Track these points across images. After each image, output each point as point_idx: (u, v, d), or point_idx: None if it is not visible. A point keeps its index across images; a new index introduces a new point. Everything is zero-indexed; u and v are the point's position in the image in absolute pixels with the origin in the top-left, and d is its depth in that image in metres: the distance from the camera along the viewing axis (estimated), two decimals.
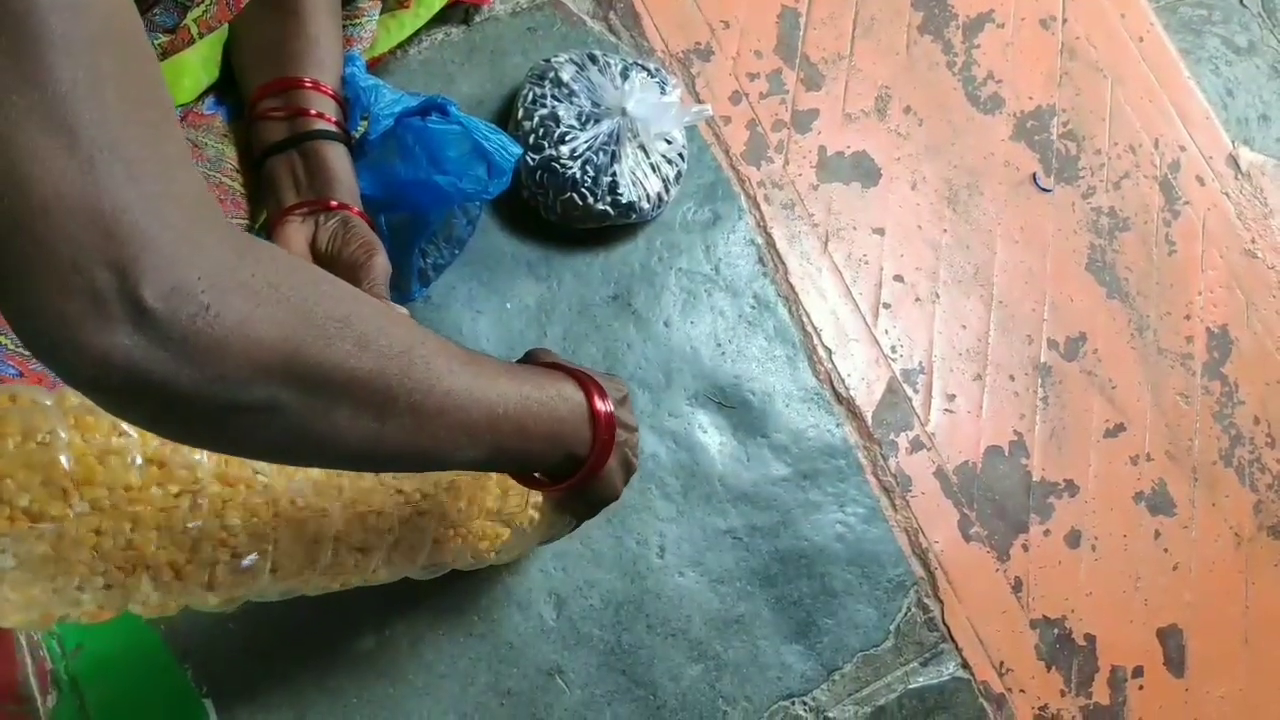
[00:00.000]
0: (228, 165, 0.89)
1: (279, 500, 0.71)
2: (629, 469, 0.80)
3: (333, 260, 0.84)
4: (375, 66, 1.09)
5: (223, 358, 0.43)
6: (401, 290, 1.07)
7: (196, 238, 0.43)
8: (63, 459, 0.62)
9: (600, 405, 0.71)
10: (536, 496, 0.85)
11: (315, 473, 0.73)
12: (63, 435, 0.62)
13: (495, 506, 0.84)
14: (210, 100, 0.91)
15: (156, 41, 0.79)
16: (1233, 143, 1.36)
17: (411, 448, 0.57)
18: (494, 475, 0.83)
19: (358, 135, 0.96)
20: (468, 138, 0.96)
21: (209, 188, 0.85)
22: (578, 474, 0.73)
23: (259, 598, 0.76)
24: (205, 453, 0.67)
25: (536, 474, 0.76)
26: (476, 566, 0.90)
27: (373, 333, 0.51)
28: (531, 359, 0.78)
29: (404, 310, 0.84)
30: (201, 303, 0.42)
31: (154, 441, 0.66)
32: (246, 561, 0.70)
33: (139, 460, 0.65)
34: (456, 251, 1.09)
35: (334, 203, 0.86)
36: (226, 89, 0.93)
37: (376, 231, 1.03)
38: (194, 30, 0.81)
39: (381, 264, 0.85)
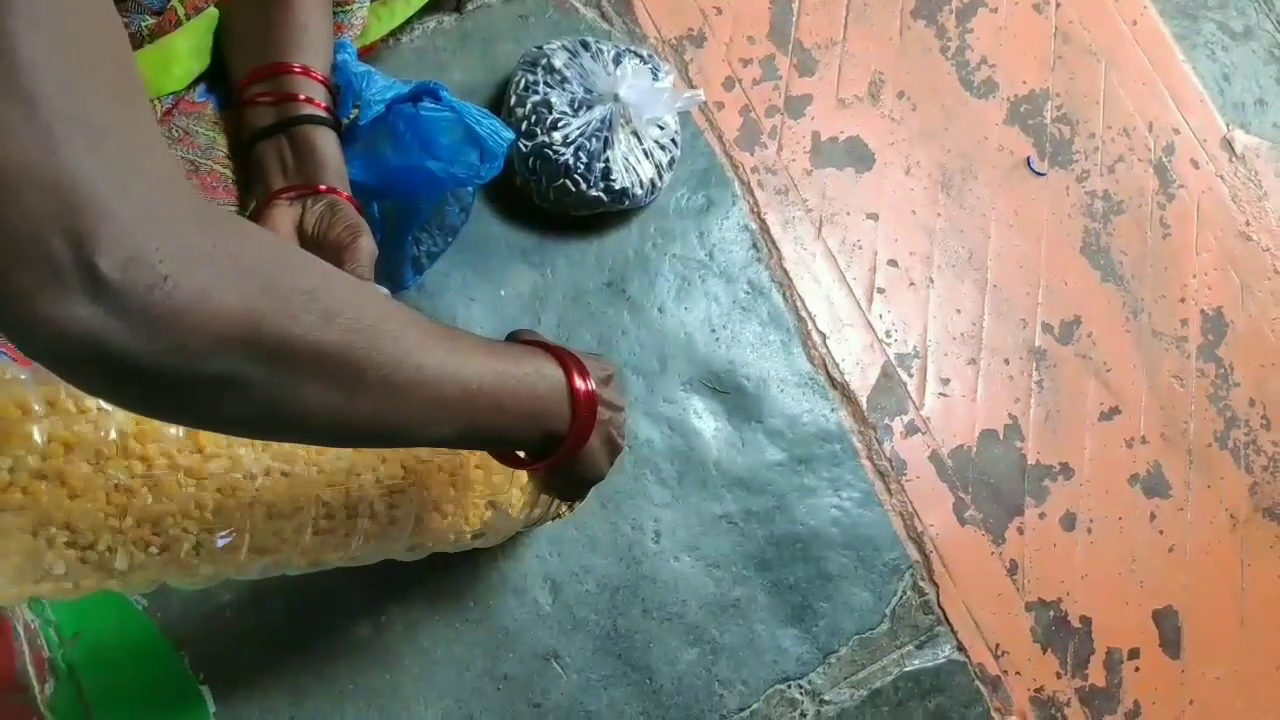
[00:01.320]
0: (219, 153, 0.89)
1: (256, 478, 0.71)
2: (614, 448, 0.79)
3: (319, 243, 0.84)
4: (367, 54, 1.09)
5: (181, 329, 0.43)
6: (395, 278, 1.07)
7: (158, 209, 0.42)
8: (35, 432, 0.62)
9: (580, 383, 0.71)
10: (522, 477, 0.85)
11: (292, 449, 0.73)
12: (37, 409, 0.63)
13: (478, 486, 0.84)
14: (201, 88, 0.91)
15: (144, 23, 0.79)
16: (1227, 126, 1.36)
17: (381, 423, 0.57)
18: (475, 454, 0.83)
19: (349, 122, 0.96)
20: (459, 123, 0.96)
21: (200, 175, 0.85)
22: (557, 452, 0.72)
23: (239, 575, 0.76)
24: (180, 428, 0.68)
25: (520, 453, 0.75)
26: (462, 548, 0.90)
27: (340, 306, 0.51)
28: (515, 338, 0.77)
29: (384, 291, 0.83)
30: (159, 273, 0.42)
31: (129, 417, 0.66)
32: (221, 540, 0.70)
33: (113, 435, 0.65)
34: (450, 239, 1.09)
35: (322, 187, 0.86)
36: (217, 77, 0.93)
37: (368, 218, 1.03)
38: (180, 11, 0.81)
39: (366, 245, 0.84)
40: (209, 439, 0.69)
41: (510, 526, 0.91)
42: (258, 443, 0.72)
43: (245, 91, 0.88)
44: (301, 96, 0.86)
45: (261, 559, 0.74)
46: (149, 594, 0.98)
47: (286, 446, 0.73)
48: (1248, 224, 1.31)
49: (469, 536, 0.87)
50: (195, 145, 0.88)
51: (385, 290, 0.82)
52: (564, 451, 0.72)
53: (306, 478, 0.73)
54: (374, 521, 0.79)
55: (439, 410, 0.60)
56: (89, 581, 0.67)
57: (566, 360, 0.71)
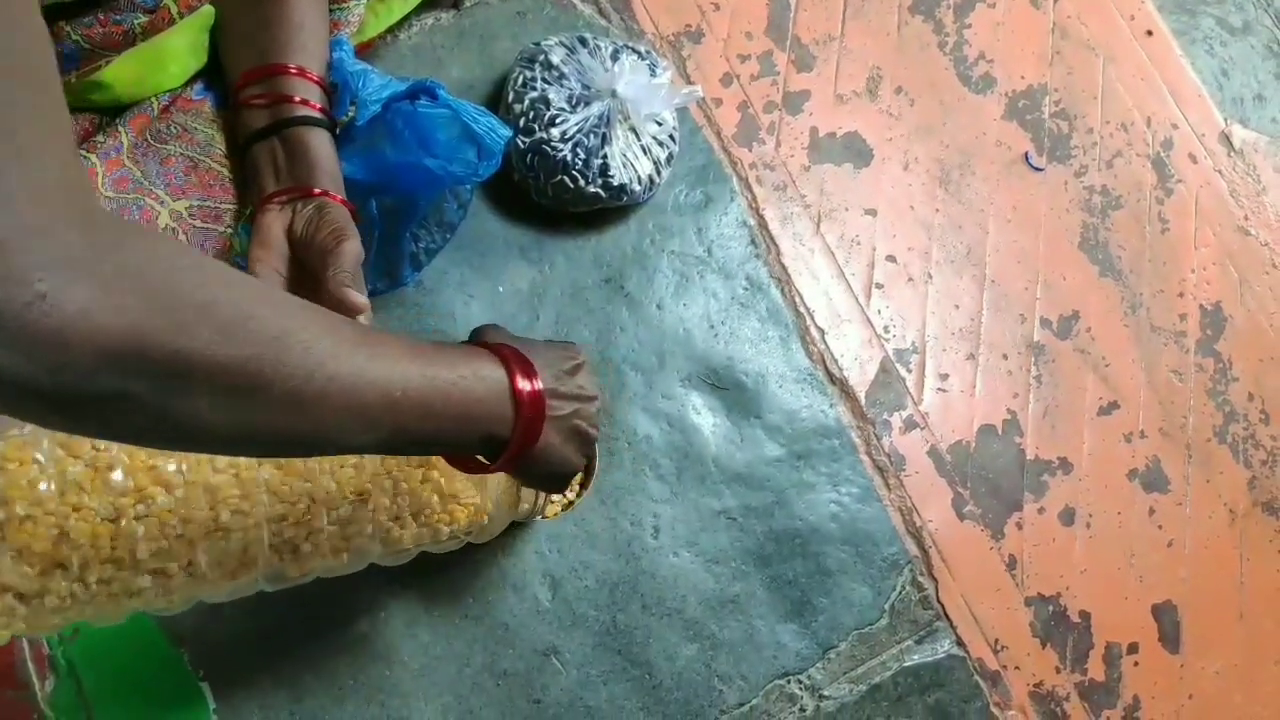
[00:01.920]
0: (217, 150, 0.89)
1: (197, 514, 0.72)
2: (583, 439, 0.75)
3: (307, 247, 0.84)
4: (364, 52, 1.09)
5: (61, 347, 0.42)
6: (393, 275, 1.07)
7: (41, 224, 0.41)
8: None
9: (524, 384, 0.68)
10: (502, 475, 0.85)
11: (240, 472, 0.74)
12: (39, 457, 0.64)
13: (447, 487, 0.84)
14: (199, 86, 0.91)
15: (137, 21, 0.79)
16: (1225, 120, 1.36)
17: (293, 433, 0.55)
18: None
19: (346, 120, 0.96)
20: (456, 121, 0.96)
21: (198, 173, 0.85)
22: (503, 455, 0.69)
23: (210, 599, 0.77)
24: (121, 469, 0.69)
25: (480, 457, 0.73)
26: (453, 546, 0.90)
27: (239, 318, 0.50)
28: (476, 336, 0.75)
29: (364, 302, 0.81)
30: (37, 291, 0.40)
31: (81, 459, 0.68)
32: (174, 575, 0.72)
33: (73, 472, 0.67)
34: (448, 236, 1.09)
35: (315, 190, 0.86)
36: (215, 75, 0.93)
37: (366, 216, 1.04)
38: (174, 9, 0.81)
39: (349, 250, 0.82)
40: (146, 474, 0.71)
41: (498, 522, 0.90)
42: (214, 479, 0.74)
43: (240, 93, 0.88)
44: (296, 98, 0.86)
45: (216, 586, 0.77)
46: None
47: (238, 467, 0.74)
48: (1246, 219, 1.31)
49: (449, 536, 0.87)
50: (194, 142, 0.88)
51: (363, 300, 0.80)
52: (510, 454, 0.69)
53: (255, 502, 0.75)
54: (340, 533, 0.79)
55: (357, 419, 0.58)
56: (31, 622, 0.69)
57: (510, 360, 0.69)
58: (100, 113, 0.87)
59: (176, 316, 0.47)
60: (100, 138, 0.84)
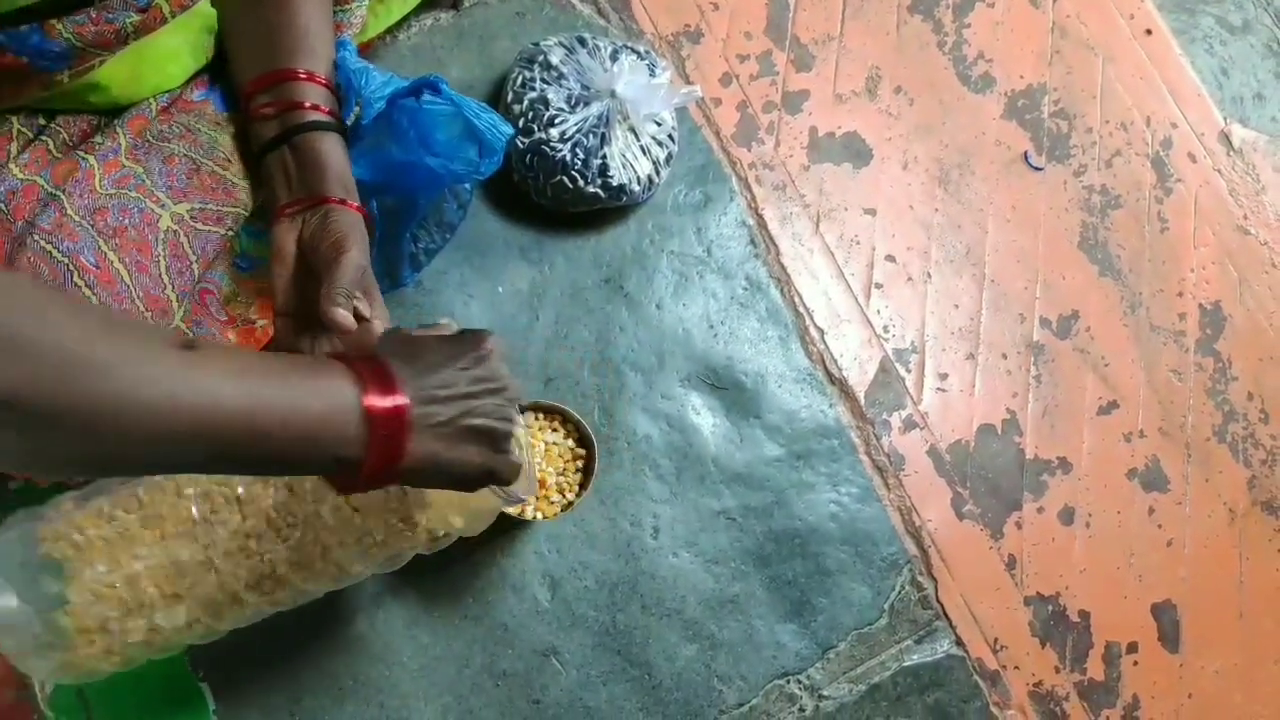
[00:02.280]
0: (220, 154, 0.89)
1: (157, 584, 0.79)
2: (484, 436, 0.68)
3: (315, 257, 0.83)
4: (364, 52, 1.09)
5: None
6: (393, 275, 1.07)
7: None
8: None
9: (376, 400, 0.62)
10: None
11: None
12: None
13: (394, 505, 0.84)
14: (201, 89, 0.91)
15: (129, 20, 0.79)
16: (1225, 119, 1.36)
17: (93, 457, 0.54)
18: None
19: (352, 121, 0.96)
20: (458, 119, 0.95)
21: (200, 175, 0.85)
22: (361, 475, 0.63)
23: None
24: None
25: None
26: (438, 547, 0.89)
27: (24, 346, 0.49)
28: (387, 338, 0.71)
29: (349, 325, 0.77)
30: None
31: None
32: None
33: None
34: (448, 236, 1.09)
35: (323, 198, 0.85)
36: (218, 76, 0.93)
37: (369, 217, 1.04)
38: (166, 9, 0.81)
39: (347, 264, 0.79)
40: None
41: (477, 523, 0.89)
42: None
43: (250, 103, 0.87)
44: (305, 103, 0.86)
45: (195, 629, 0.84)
46: None
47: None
48: (1245, 218, 1.31)
49: (415, 548, 0.87)
50: (197, 143, 0.88)
51: (348, 320, 0.77)
52: (369, 474, 0.64)
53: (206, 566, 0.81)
54: (298, 569, 0.83)
55: (167, 443, 0.55)
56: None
57: (363, 375, 0.63)
58: (98, 114, 0.87)
59: None
60: (98, 139, 0.84)
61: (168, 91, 0.89)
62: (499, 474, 0.70)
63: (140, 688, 0.96)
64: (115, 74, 0.83)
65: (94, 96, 0.84)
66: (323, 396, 0.61)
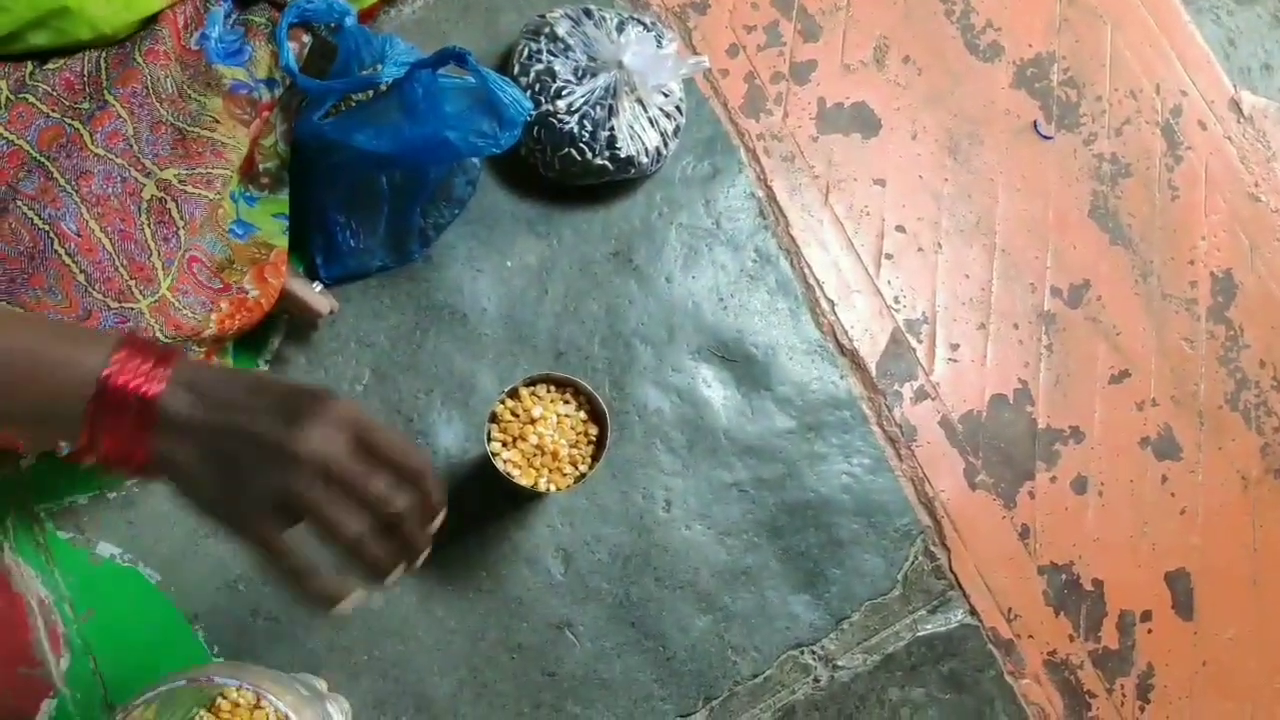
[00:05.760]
0: (208, 117, 0.88)
1: None
2: (249, 487, 0.53)
3: None
4: (366, 21, 1.08)
5: None
6: (402, 250, 1.07)
7: None
8: None
9: (119, 377, 0.52)
10: None
11: None
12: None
13: None
14: (197, 34, 0.90)
15: None
16: (1235, 87, 1.35)
17: None
18: None
19: (366, 73, 0.95)
20: (469, 92, 0.95)
21: (186, 143, 0.84)
22: (85, 449, 0.54)
23: None
24: None
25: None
26: None
27: None
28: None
29: None
30: None
31: None
32: None
33: None
34: (457, 211, 1.09)
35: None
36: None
37: (376, 191, 1.03)
38: None
39: None
40: None
41: None
42: None
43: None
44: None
45: None
46: (163, 569, 0.98)
47: None
48: (1256, 185, 1.31)
49: None
50: (186, 112, 0.87)
51: None
52: (94, 458, 0.54)
53: None
54: None
55: None
56: None
57: (133, 350, 0.53)
58: (82, 48, 0.85)
59: None
60: (85, 105, 0.83)
61: (156, 21, 0.87)
62: (253, 539, 0.55)
63: (154, 664, 0.96)
64: None
65: (67, 23, 0.83)
66: (60, 363, 0.53)
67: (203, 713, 0.87)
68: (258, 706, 0.88)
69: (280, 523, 0.54)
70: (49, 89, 0.84)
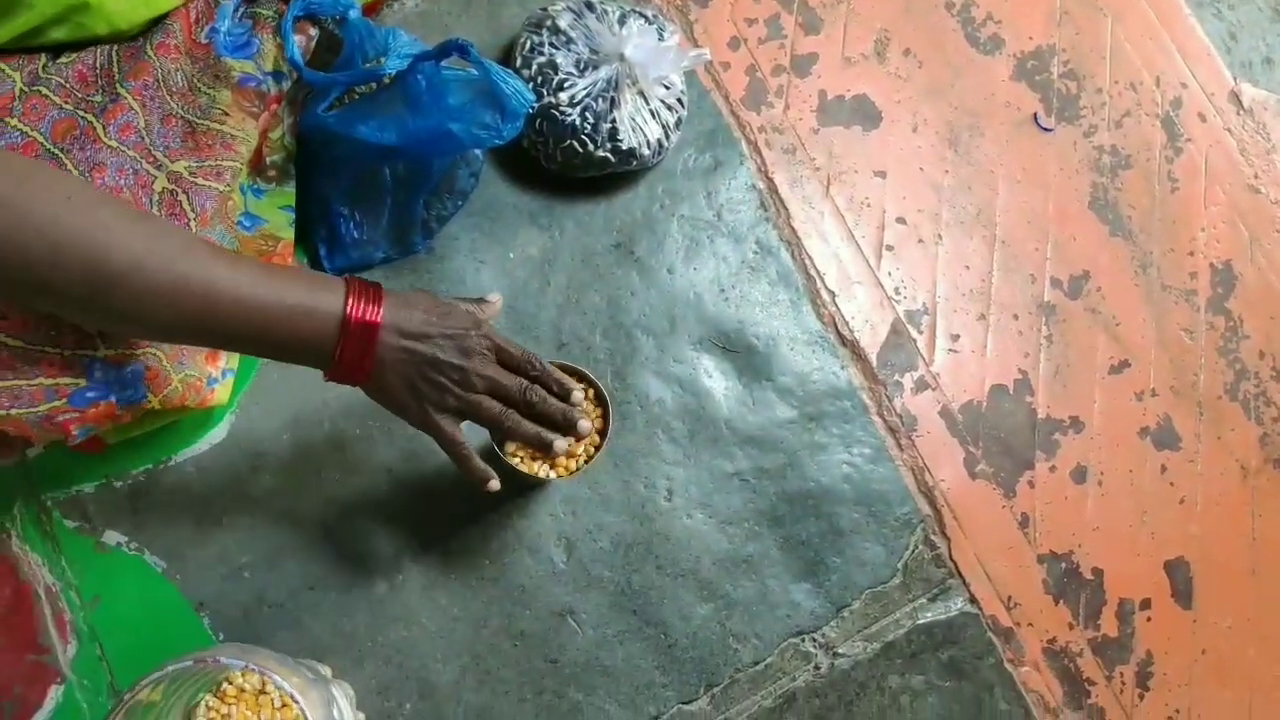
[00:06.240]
0: (217, 110, 0.89)
1: None
2: (423, 394, 0.81)
3: None
4: (370, 15, 1.09)
5: None
6: (405, 242, 1.08)
7: None
8: None
9: (357, 313, 0.76)
10: None
11: None
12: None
13: None
14: (208, 27, 0.91)
15: None
16: (1235, 79, 1.35)
17: (126, 317, 0.70)
18: None
19: (370, 65, 0.96)
20: (472, 84, 0.96)
21: (196, 135, 0.85)
22: (333, 370, 0.78)
23: None
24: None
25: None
26: None
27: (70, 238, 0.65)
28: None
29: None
30: None
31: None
32: None
33: None
34: (460, 203, 1.10)
35: None
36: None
37: (380, 183, 1.04)
38: None
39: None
40: None
41: None
42: None
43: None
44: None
45: None
46: (168, 557, 0.99)
47: None
48: (1256, 177, 1.31)
49: None
50: (196, 105, 0.88)
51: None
52: (338, 371, 0.78)
53: None
54: None
55: (168, 311, 0.70)
56: None
57: (356, 291, 0.77)
58: (96, 43, 0.86)
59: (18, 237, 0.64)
60: (98, 97, 0.84)
61: (168, 16, 0.88)
62: (432, 430, 0.83)
63: (160, 650, 0.97)
64: None
65: (86, 18, 0.84)
66: (316, 298, 0.75)
67: (209, 697, 0.87)
68: (263, 691, 0.89)
69: (454, 421, 0.83)
70: (62, 81, 0.84)
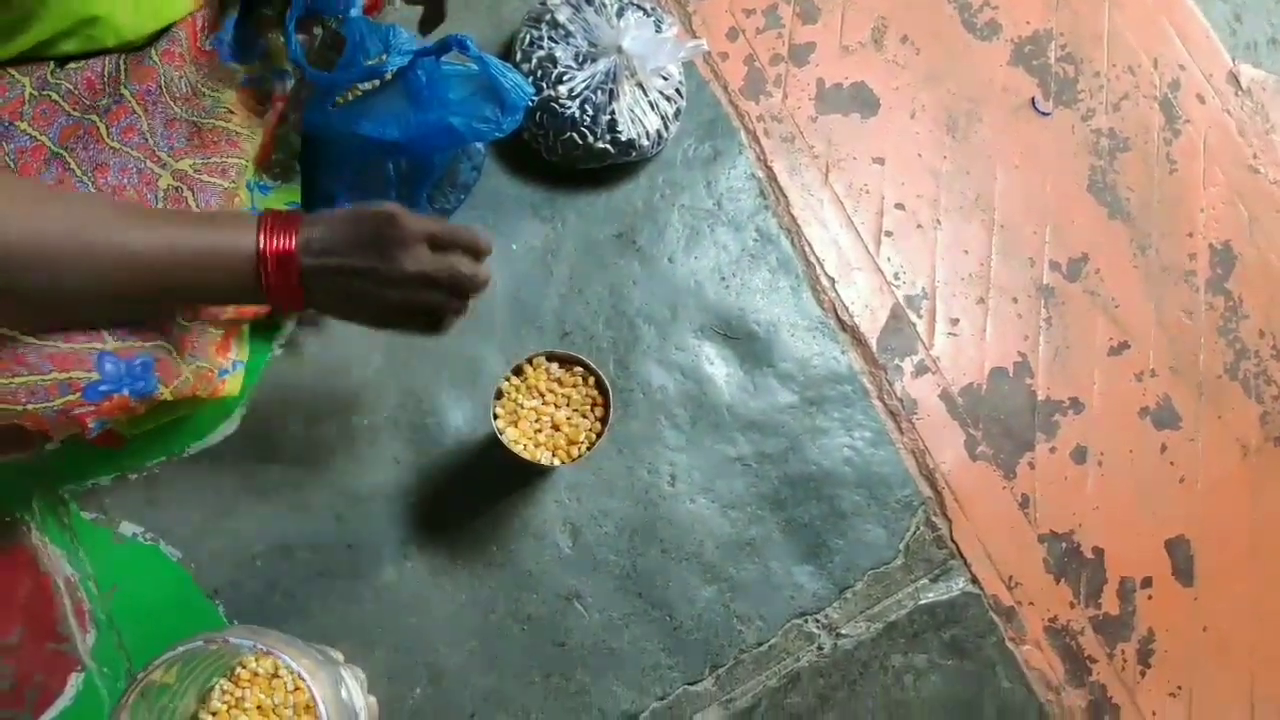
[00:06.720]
0: (223, 109, 0.91)
1: None
2: (368, 306, 0.81)
3: None
4: (371, 14, 1.10)
5: None
6: None
7: None
8: None
9: (271, 245, 0.76)
10: None
11: None
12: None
13: None
14: (214, 35, 0.93)
15: None
16: (1233, 60, 1.36)
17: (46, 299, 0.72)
18: None
19: (372, 63, 0.98)
20: (472, 78, 0.97)
21: (201, 134, 0.87)
22: (270, 302, 0.79)
23: None
24: None
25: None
26: None
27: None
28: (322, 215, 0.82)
29: None
30: None
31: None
32: None
33: None
34: (463, 196, 1.12)
35: None
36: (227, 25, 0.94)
37: (384, 178, 1.06)
38: None
39: None
40: None
41: None
42: None
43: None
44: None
45: None
46: (183, 546, 1.01)
47: None
48: (1255, 157, 1.32)
49: None
50: (200, 107, 0.90)
51: None
52: (272, 303, 0.79)
53: None
54: None
55: (94, 281, 0.72)
56: None
57: (268, 225, 0.77)
58: (105, 53, 0.88)
59: None
60: (103, 100, 0.86)
61: (175, 25, 0.90)
62: (394, 330, 0.85)
63: (177, 638, 0.98)
64: (115, 5, 0.84)
65: (96, 30, 0.86)
66: (231, 239, 0.76)
67: (223, 681, 0.90)
68: (276, 676, 0.91)
69: (400, 315, 0.82)
70: (71, 87, 0.86)
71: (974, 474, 1.15)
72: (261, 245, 0.76)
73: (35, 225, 0.69)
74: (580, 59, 1.10)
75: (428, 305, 0.82)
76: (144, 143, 0.86)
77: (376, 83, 1.01)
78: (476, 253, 0.84)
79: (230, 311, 0.92)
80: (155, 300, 0.78)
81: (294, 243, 0.77)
